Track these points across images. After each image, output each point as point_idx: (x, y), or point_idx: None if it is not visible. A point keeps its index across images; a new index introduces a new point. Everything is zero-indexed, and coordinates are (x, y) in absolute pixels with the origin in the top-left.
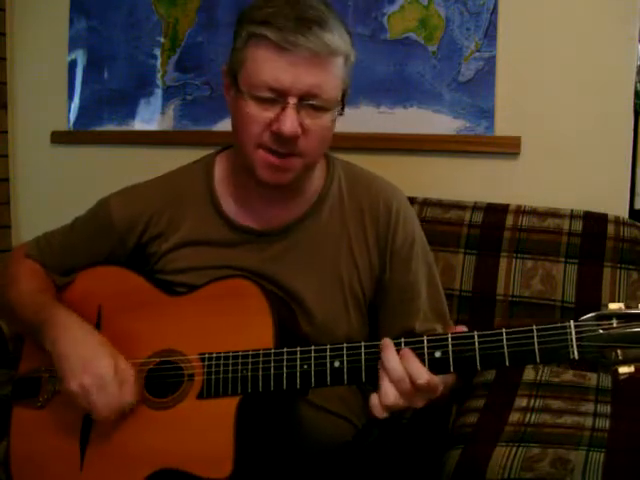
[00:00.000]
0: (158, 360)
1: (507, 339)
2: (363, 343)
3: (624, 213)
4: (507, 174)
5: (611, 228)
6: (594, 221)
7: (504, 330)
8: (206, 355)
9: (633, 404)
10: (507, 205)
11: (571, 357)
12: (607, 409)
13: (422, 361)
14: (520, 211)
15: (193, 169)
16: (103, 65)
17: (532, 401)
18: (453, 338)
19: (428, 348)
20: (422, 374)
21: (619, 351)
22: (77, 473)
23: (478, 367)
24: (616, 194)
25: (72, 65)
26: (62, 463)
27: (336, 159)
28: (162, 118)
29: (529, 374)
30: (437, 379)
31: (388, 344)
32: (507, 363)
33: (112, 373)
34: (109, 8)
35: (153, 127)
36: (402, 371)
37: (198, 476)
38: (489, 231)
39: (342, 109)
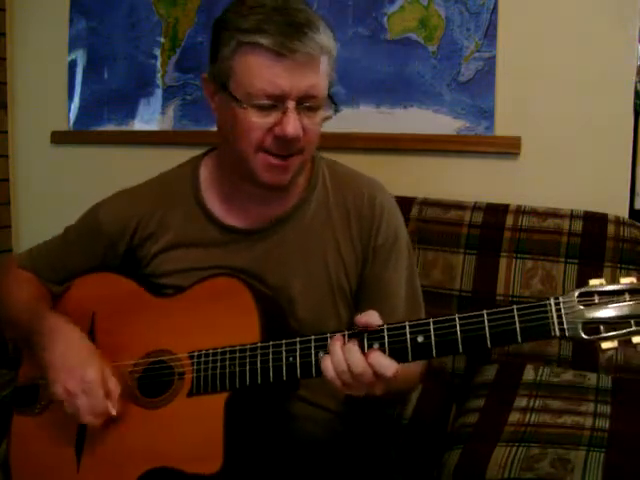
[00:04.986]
0: (150, 360)
1: (488, 320)
2: (346, 332)
3: (624, 213)
4: (507, 174)
5: (611, 228)
6: (594, 221)
7: (485, 312)
8: (195, 353)
9: (633, 404)
10: (507, 205)
11: (552, 334)
12: (607, 409)
13: (405, 347)
14: (520, 211)
15: (180, 171)
16: (103, 65)
17: (532, 401)
18: (434, 322)
19: (410, 333)
20: (359, 363)
21: (601, 327)
22: (74, 476)
23: (460, 350)
24: (616, 194)
25: (72, 65)
26: (59, 467)
27: (319, 157)
28: (162, 118)
29: (529, 374)
30: (384, 367)
31: (337, 338)
32: (489, 344)
33: (99, 380)
34: (109, 8)
35: (153, 127)
36: (342, 359)
37: (188, 473)
38: (489, 231)
39: (336, 105)
